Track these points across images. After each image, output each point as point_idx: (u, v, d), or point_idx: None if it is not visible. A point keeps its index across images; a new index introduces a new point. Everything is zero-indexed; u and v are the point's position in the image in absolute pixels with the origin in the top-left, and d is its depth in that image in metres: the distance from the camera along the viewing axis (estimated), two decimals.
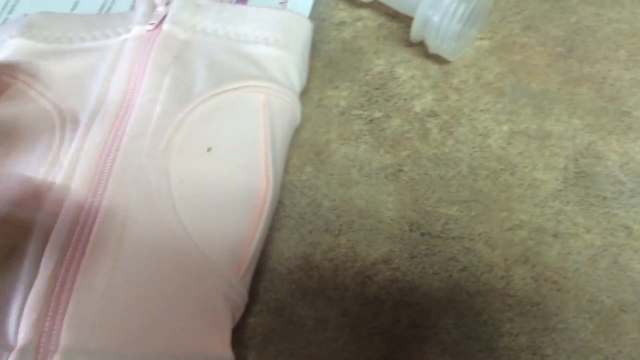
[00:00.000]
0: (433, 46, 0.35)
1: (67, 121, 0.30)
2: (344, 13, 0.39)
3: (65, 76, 0.32)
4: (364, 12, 0.39)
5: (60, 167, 0.28)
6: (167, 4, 0.34)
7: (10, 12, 0.39)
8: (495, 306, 0.30)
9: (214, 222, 0.28)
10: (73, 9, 0.39)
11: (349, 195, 0.33)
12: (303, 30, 0.34)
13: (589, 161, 0.33)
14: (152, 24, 0.32)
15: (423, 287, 0.30)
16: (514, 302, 0.30)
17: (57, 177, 0.28)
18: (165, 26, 0.32)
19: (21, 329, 0.25)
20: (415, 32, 0.35)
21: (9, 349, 0.24)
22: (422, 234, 0.32)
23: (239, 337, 0.29)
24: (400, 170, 0.33)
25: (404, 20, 0.38)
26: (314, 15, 0.39)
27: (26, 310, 0.25)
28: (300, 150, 0.34)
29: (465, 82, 0.36)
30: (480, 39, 0.38)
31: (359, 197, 0.33)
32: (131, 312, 0.25)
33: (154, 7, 0.34)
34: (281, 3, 0.39)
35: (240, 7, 0.34)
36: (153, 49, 0.32)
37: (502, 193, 0.33)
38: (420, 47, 0.37)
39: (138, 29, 0.33)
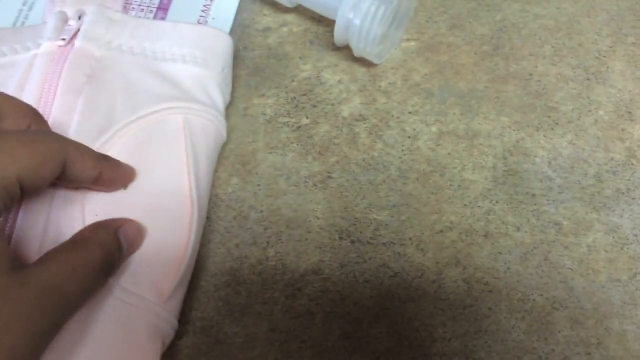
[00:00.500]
0: (357, 50, 0.35)
1: None
2: (269, 19, 0.38)
3: None
4: (290, 17, 0.38)
5: None
6: (80, 18, 0.32)
7: None
8: (428, 311, 0.29)
9: (135, 256, 0.26)
10: None
11: (277, 206, 0.32)
12: (223, 45, 0.33)
13: (517, 159, 0.33)
14: (63, 39, 0.31)
15: (354, 297, 0.30)
16: (447, 306, 0.29)
17: None
18: (77, 42, 0.31)
19: None
20: (338, 37, 0.35)
21: None
22: (353, 242, 0.31)
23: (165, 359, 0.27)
24: (329, 178, 0.33)
25: (330, 25, 0.38)
26: (238, 22, 0.38)
27: None
28: (226, 161, 0.33)
29: (394, 85, 0.36)
30: (407, 40, 0.37)
31: (288, 207, 0.32)
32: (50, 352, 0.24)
33: (65, 21, 0.32)
34: (204, 11, 0.38)
35: (157, 23, 0.33)
36: (65, 67, 0.30)
37: (432, 195, 0.32)
38: (347, 51, 0.37)
39: (49, 45, 0.31)
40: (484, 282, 0.30)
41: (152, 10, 0.38)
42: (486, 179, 0.33)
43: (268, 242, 0.31)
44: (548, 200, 0.32)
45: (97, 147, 0.28)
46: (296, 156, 0.33)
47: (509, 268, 0.30)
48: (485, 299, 0.30)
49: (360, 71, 0.36)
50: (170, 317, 0.27)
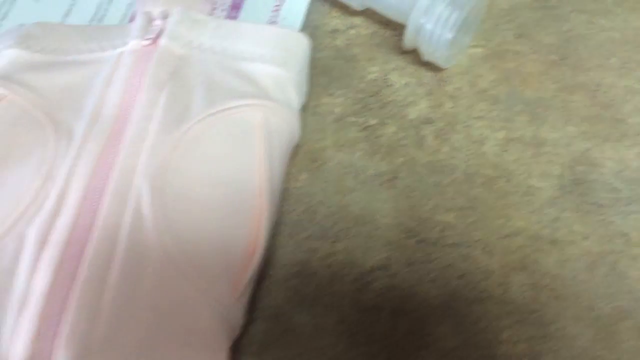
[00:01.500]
0: (426, 54, 0.35)
1: (62, 134, 0.29)
2: (337, 21, 0.39)
3: (60, 88, 0.31)
4: (357, 20, 0.39)
5: (54, 182, 0.27)
6: (165, 18, 0.33)
7: (3, 19, 0.38)
8: (494, 313, 0.30)
9: (208, 244, 0.27)
10: (65, 16, 0.38)
11: (345, 202, 0.33)
12: (301, 47, 0.33)
13: (584, 168, 0.33)
14: (148, 38, 0.32)
15: (421, 295, 0.30)
16: (512, 309, 0.30)
17: (51, 192, 0.27)
18: (162, 41, 0.32)
19: (15, 348, 0.24)
20: (408, 40, 0.35)
21: None
22: (419, 241, 0.31)
23: (236, 344, 0.28)
24: (396, 178, 0.33)
25: (397, 28, 0.38)
26: (307, 23, 0.39)
27: (20, 329, 0.24)
28: (295, 157, 0.34)
29: (460, 90, 0.36)
30: (474, 46, 0.38)
31: (355, 204, 0.32)
32: (122, 336, 0.25)
33: (150, 20, 0.33)
34: (274, 11, 0.39)
35: (238, 24, 0.34)
36: (150, 65, 0.31)
37: (499, 200, 0.33)
38: (413, 55, 0.37)
39: (135, 43, 0.32)
40: (550, 288, 0.30)
41: (224, 9, 0.39)
42: (553, 186, 0.33)
43: (336, 237, 0.32)
44: (615, 211, 0.32)
45: (176, 137, 0.29)
46: (364, 155, 0.34)
47: (575, 276, 0.30)
48: (551, 304, 0.30)
49: (427, 75, 0.37)
50: (239, 313, 0.27)
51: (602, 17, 0.39)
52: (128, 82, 0.31)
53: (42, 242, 0.26)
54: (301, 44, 0.33)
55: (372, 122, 0.35)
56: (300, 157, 0.34)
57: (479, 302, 0.30)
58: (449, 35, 0.33)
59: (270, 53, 0.32)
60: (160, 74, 0.31)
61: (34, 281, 0.25)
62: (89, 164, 0.28)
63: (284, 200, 0.33)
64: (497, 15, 0.39)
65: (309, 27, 0.39)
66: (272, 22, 0.38)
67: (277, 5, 0.39)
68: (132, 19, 0.38)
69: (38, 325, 0.24)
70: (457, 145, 0.34)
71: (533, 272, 0.31)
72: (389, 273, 0.31)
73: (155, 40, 0.32)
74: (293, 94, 0.32)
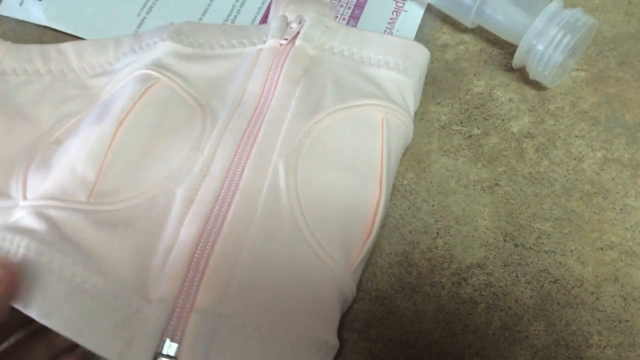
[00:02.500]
0: (534, 72, 0.37)
1: (207, 115, 0.33)
2: (447, 36, 0.42)
3: (206, 77, 0.36)
4: (466, 37, 0.42)
5: (202, 152, 0.32)
6: (300, 22, 0.37)
7: (148, 12, 0.43)
8: (585, 319, 0.31)
9: (332, 221, 0.30)
10: (203, 14, 0.43)
11: (447, 203, 0.35)
12: (421, 57, 0.37)
13: None
14: (286, 39, 0.36)
15: (515, 294, 0.32)
16: (603, 316, 0.31)
17: (199, 159, 0.31)
18: (297, 42, 0.36)
19: (161, 285, 0.28)
20: (518, 58, 0.38)
21: (148, 301, 0.27)
22: (516, 245, 0.34)
23: (343, 319, 0.31)
24: (496, 184, 0.36)
25: (504, 47, 0.41)
26: (419, 37, 0.42)
27: (167, 269, 0.28)
28: (403, 157, 0.37)
29: (562, 109, 0.38)
30: (577, 70, 0.40)
31: (456, 205, 0.35)
32: (254, 287, 0.28)
33: (286, 23, 0.37)
34: (390, 23, 0.42)
35: (366, 32, 0.37)
36: (286, 62, 0.35)
37: (594, 215, 0.34)
38: (518, 73, 0.40)
39: (273, 42, 0.36)
40: None
41: (344, 18, 0.42)
42: None
43: (438, 233, 0.34)
44: None
45: (308, 125, 0.32)
46: (466, 161, 0.37)
47: None
48: None
49: (530, 93, 0.39)
50: (353, 286, 0.30)
51: None
52: (267, 75, 0.35)
53: (190, 200, 0.30)
54: (422, 55, 0.36)
55: (476, 131, 0.38)
56: (407, 157, 0.37)
57: (571, 306, 0.32)
58: (559, 57, 0.36)
59: (394, 60, 0.35)
60: (295, 70, 0.35)
61: (182, 231, 0.29)
62: (232, 140, 0.32)
63: (392, 196, 0.35)
64: (601, 43, 0.41)
65: (421, 40, 0.41)
66: (387, 34, 0.41)
67: (392, 19, 0.42)
68: (262, 21, 0.42)
69: (186, 269, 0.28)
70: (556, 160, 0.36)
71: (624, 285, 0.32)
72: (486, 271, 0.33)
73: (291, 40, 0.36)
74: (410, 99, 0.35)
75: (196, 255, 0.28)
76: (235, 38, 0.37)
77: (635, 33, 0.42)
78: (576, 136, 0.37)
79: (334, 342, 0.28)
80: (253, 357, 0.27)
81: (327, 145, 0.32)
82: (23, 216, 0.29)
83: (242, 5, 0.43)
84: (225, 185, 0.30)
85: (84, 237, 0.28)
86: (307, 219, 0.30)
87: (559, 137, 0.37)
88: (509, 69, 0.40)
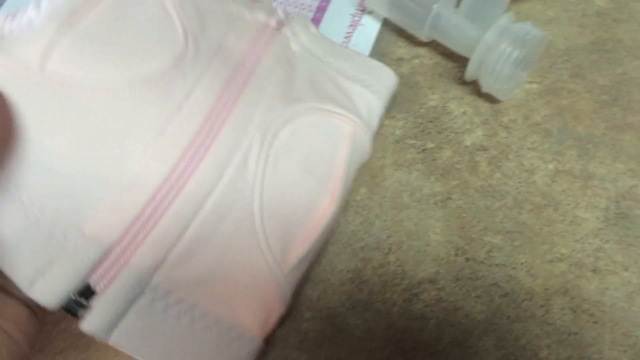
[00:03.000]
0: (486, 85, 0.38)
1: (189, 42, 0.31)
2: (403, 50, 0.42)
3: (195, 8, 0.33)
4: (422, 51, 0.42)
5: (183, 77, 0.30)
6: (286, 17, 0.37)
7: None
8: (534, 332, 0.32)
9: (281, 214, 0.30)
10: None
11: (400, 217, 0.35)
12: (391, 82, 0.37)
13: (629, 204, 0.35)
14: (274, 20, 0.36)
15: (466, 309, 0.32)
16: (552, 330, 0.32)
17: (178, 82, 0.29)
18: (284, 31, 0.36)
19: (101, 219, 0.26)
20: (470, 71, 0.38)
21: (81, 232, 0.25)
22: (467, 259, 0.34)
23: (292, 340, 0.31)
24: (449, 198, 0.36)
25: (459, 60, 0.41)
26: (376, 50, 0.42)
27: (117, 202, 0.26)
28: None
29: (514, 121, 0.39)
30: (530, 82, 0.40)
31: (409, 220, 0.35)
32: (196, 261, 0.27)
33: (273, 11, 0.37)
34: (346, 37, 0.42)
35: (344, 47, 0.38)
36: (273, 42, 0.35)
37: (545, 227, 0.35)
38: (472, 86, 0.40)
39: (263, 18, 0.36)
40: (589, 313, 0.32)
41: None
42: (598, 218, 0.35)
43: (390, 249, 0.34)
44: None
45: (289, 112, 0.32)
46: (420, 175, 0.37)
47: (614, 303, 0.32)
48: (589, 328, 0.31)
49: (484, 106, 0.39)
50: (287, 285, 0.30)
51: None
52: (256, 40, 0.34)
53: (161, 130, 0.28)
54: (392, 80, 0.37)
55: (430, 145, 0.38)
56: (361, 172, 0.37)
57: (521, 320, 0.32)
58: (509, 69, 0.36)
59: (369, 80, 0.36)
60: (280, 53, 0.35)
61: (153, 164, 0.27)
62: (215, 84, 0.31)
63: (344, 211, 0.35)
64: (554, 55, 0.41)
65: (377, 54, 0.42)
66: None
67: (348, 33, 0.42)
68: None
69: (138, 211, 0.26)
70: (508, 172, 0.37)
71: (574, 297, 0.32)
72: (437, 286, 0.33)
73: (279, 28, 0.36)
74: (376, 119, 0.36)
75: (155, 201, 0.27)
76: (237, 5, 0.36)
77: (588, 45, 0.42)
78: (528, 148, 0.37)
79: (258, 340, 0.28)
80: (168, 335, 0.26)
81: (301, 140, 0.32)
82: None
83: None
84: (200, 134, 0.29)
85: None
86: (263, 204, 0.29)
87: (512, 150, 0.37)
88: (463, 82, 0.40)
